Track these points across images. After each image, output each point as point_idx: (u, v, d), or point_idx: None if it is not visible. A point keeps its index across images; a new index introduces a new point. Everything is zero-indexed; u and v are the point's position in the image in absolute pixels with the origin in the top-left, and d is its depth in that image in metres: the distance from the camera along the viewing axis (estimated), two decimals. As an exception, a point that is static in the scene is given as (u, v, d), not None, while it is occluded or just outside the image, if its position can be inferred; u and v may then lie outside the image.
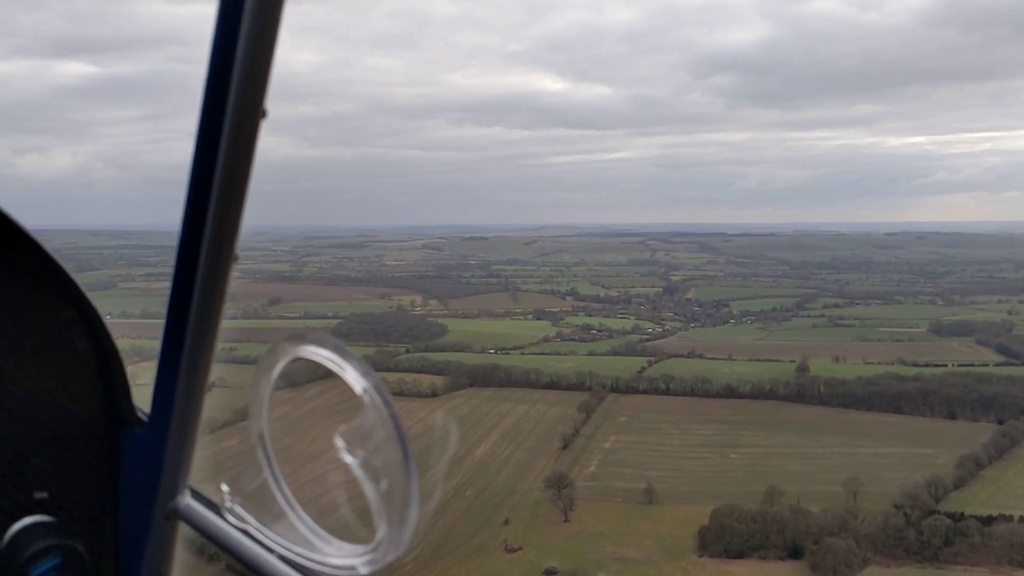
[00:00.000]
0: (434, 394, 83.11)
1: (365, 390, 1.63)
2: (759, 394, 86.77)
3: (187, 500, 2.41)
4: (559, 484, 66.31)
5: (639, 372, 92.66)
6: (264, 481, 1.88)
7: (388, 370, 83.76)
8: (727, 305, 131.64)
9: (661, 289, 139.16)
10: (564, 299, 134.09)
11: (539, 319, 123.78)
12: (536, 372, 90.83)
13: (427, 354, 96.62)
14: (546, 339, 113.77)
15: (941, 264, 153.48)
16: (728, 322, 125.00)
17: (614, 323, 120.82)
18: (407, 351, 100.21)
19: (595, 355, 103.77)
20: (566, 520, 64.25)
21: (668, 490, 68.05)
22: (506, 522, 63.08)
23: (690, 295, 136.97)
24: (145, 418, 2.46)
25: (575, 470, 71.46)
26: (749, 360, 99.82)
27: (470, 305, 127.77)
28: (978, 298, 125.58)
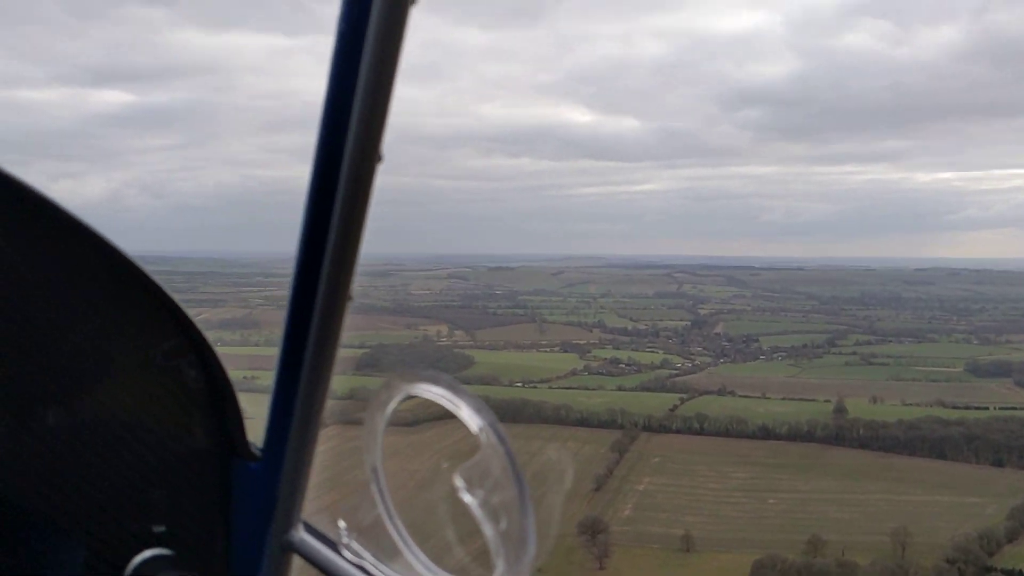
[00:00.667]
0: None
1: (481, 428, 1.62)
2: (796, 435, 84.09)
3: (301, 534, 2.39)
4: (593, 529, 64.09)
5: (671, 410, 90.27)
6: (378, 516, 1.89)
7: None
8: (756, 340, 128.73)
9: (689, 323, 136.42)
10: (591, 331, 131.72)
11: (566, 351, 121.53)
12: (566, 408, 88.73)
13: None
14: (573, 372, 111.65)
15: (973, 301, 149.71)
16: (758, 358, 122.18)
17: (643, 357, 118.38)
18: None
19: (624, 390, 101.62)
20: (601, 568, 62.03)
21: (706, 537, 65.66)
22: (539, 571, 60.89)
23: (719, 329, 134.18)
24: (258, 451, 2.43)
25: (609, 513, 69.17)
26: (783, 399, 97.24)
27: (496, 336, 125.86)
28: (1013, 337, 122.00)
